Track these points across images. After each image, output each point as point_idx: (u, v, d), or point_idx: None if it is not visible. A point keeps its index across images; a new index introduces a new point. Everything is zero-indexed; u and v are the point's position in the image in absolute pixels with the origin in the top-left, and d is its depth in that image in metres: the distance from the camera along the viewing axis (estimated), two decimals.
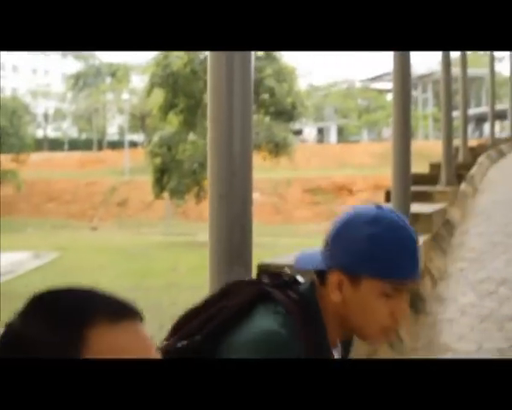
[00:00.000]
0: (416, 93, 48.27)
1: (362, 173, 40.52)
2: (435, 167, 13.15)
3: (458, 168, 13.23)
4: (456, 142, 14.72)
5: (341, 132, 54.30)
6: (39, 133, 45.68)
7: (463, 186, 12.41)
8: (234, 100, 2.85)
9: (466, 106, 15.61)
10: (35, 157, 40.46)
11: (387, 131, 50.09)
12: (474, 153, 15.83)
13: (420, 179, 11.34)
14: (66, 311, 1.01)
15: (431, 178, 12.20)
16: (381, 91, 51.48)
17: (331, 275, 1.79)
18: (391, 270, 1.75)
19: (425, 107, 51.15)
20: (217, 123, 2.64)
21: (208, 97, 2.94)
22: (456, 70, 14.47)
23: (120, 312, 1.01)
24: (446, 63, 12.90)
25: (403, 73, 7.60)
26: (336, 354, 1.89)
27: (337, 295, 1.79)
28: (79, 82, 49.37)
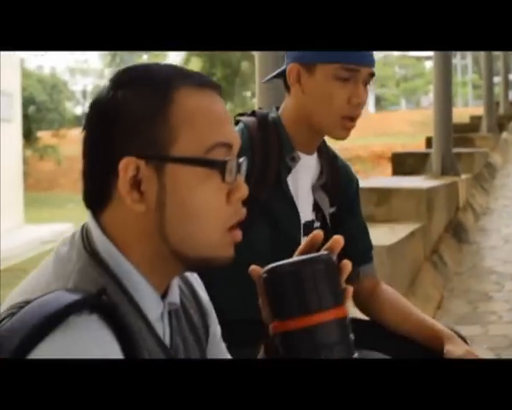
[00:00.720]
0: (454, 60, 47.63)
1: (401, 141, 40.09)
2: (476, 119, 13.03)
3: (499, 119, 13.07)
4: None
5: (379, 101, 53.86)
6: (78, 110, 46.08)
7: (505, 135, 12.29)
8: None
9: (507, 59, 15.38)
10: (75, 133, 40.73)
11: (426, 100, 49.53)
12: None
13: (460, 128, 11.25)
14: (156, 77, 1.07)
15: (472, 127, 12.09)
16: (419, 59, 50.85)
17: (289, 70, 1.85)
18: (341, 54, 1.78)
19: (464, 74, 50.42)
20: None
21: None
22: None
23: (205, 81, 1.09)
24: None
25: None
26: (310, 160, 1.92)
27: (297, 88, 1.85)
28: (116, 58, 49.50)
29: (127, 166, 1.03)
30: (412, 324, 1.92)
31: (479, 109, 14.07)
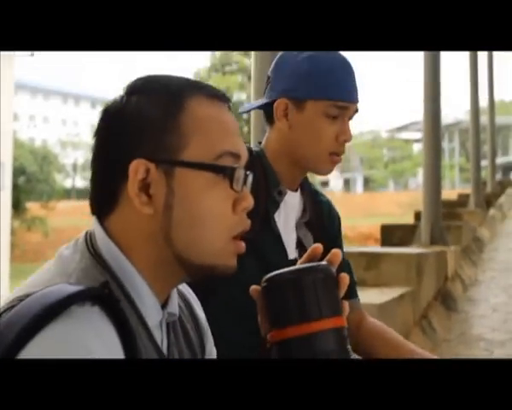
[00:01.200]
0: (442, 143, 48.16)
1: (388, 222, 40.23)
2: (464, 196, 13.17)
3: (487, 196, 13.21)
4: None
5: (368, 183, 54.28)
6: (68, 183, 46.17)
7: (492, 211, 12.40)
8: None
9: (494, 137, 15.59)
10: (63, 205, 40.68)
11: (414, 182, 49.96)
12: (502, 185, 15.79)
13: (448, 204, 11.35)
14: (169, 85, 1.12)
15: (460, 203, 12.20)
16: (408, 141, 51.50)
17: (277, 105, 1.82)
18: (332, 88, 1.77)
19: (452, 157, 51.05)
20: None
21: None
22: (483, 118, 14.55)
23: (216, 93, 1.14)
24: (475, 111, 12.99)
25: (433, 119, 7.68)
26: (294, 197, 1.89)
27: (284, 123, 1.82)
28: None
29: (137, 169, 1.06)
30: (403, 354, 1.91)
31: (466, 191, 14.24)
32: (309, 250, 1.22)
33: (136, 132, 1.07)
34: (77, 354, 0.90)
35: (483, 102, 14.47)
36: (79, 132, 54.74)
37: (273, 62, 1.87)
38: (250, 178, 1.16)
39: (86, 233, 1.12)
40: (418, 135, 47.17)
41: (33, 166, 31.10)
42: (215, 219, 1.08)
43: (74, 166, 50.52)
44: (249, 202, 1.12)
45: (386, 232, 8.75)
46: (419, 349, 1.93)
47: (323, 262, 1.16)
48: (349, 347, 1.13)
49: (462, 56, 15.33)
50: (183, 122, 1.08)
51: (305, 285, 1.10)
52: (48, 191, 33.03)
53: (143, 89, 1.11)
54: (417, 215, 9.54)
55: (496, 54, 15.62)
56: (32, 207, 32.83)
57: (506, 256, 9.11)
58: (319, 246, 1.21)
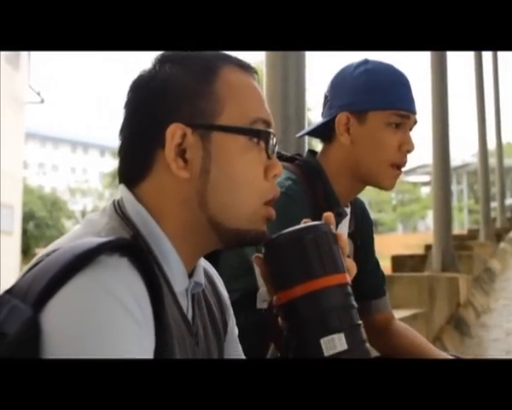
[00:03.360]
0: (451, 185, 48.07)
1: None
2: (474, 231, 13.18)
3: (496, 231, 13.20)
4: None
5: (376, 226, 54.27)
6: None
7: (503, 245, 12.38)
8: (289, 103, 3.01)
9: (502, 177, 15.62)
10: None
11: (423, 224, 49.84)
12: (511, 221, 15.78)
13: (459, 238, 11.34)
14: (200, 55, 1.15)
15: (470, 237, 12.19)
16: (416, 184, 51.52)
17: (338, 119, 1.82)
18: (392, 97, 1.79)
19: (460, 199, 51.01)
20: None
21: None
22: (491, 161, 14.64)
23: (245, 63, 1.17)
24: (483, 154, 13.07)
25: (442, 156, 7.74)
26: (348, 211, 1.88)
27: (346, 137, 1.82)
28: (117, 180, 49.71)
29: (174, 133, 1.07)
30: (429, 357, 1.88)
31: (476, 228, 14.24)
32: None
33: (171, 99, 1.09)
34: (105, 301, 0.90)
35: (490, 144, 14.58)
36: (88, 179, 55.06)
37: (329, 82, 1.89)
38: (276, 147, 1.17)
39: (114, 200, 1.12)
40: (426, 178, 47.22)
41: (42, 212, 31.25)
42: (250, 183, 1.10)
43: (83, 213, 50.66)
44: (280, 169, 1.14)
45: (397, 262, 8.72)
46: (445, 354, 1.91)
47: (321, 222, 1.16)
48: (354, 303, 1.13)
49: (469, 100, 15.44)
50: (218, 88, 1.10)
51: (307, 244, 1.11)
52: (57, 237, 32.99)
53: (176, 58, 1.13)
54: (428, 248, 9.53)
55: (502, 96, 15.76)
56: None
57: None
58: (330, 214, 1.20)
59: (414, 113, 1.81)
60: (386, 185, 1.83)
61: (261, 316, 1.42)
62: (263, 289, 1.60)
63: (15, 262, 20.13)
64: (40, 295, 0.90)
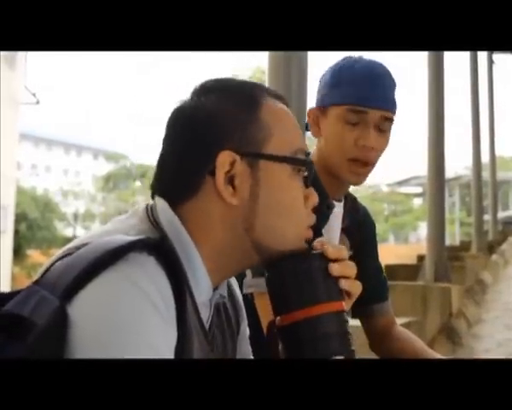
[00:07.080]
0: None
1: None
2: (466, 243, 13.22)
3: (488, 243, 13.25)
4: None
5: None
6: (68, 232, 46.09)
7: (495, 257, 12.42)
8: (291, 103, 3.05)
9: (495, 190, 15.69)
10: None
11: (415, 236, 49.88)
12: (504, 234, 15.84)
13: (451, 249, 11.38)
14: (239, 85, 1.18)
15: (462, 249, 12.23)
16: (408, 195, 51.58)
17: (308, 114, 1.90)
18: (349, 93, 1.80)
19: (452, 212, 51.08)
20: None
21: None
22: (484, 174, 14.70)
23: (280, 95, 1.21)
24: (477, 167, 13.12)
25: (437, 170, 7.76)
26: (339, 207, 1.90)
27: (316, 130, 1.88)
28: (109, 183, 49.68)
29: (224, 161, 1.09)
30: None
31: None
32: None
33: (220, 127, 1.11)
34: (133, 295, 0.93)
35: (484, 157, 14.63)
36: (81, 181, 54.74)
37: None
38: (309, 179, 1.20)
39: (147, 204, 1.14)
40: (419, 189, 47.28)
41: (35, 213, 31.10)
42: (297, 209, 1.14)
43: (75, 216, 50.48)
44: (315, 199, 1.18)
45: (390, 272, 8.73)
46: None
47: (317, 251, 1.18)
48: (349, 330, 1.16)
49: (464, 114, 15.52)
50: (263, 117, 1.13)
51: (302, 273, 1.14)
52: (49, 239, 32.93)
53: (218, 88, 1.16)
54: (420, 258, 9.57)
55: (496, 111, 15.82)
56: (33, 254, 32.70)
57: (509, 298, 9.10)
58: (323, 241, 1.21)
59: (372, 108, 1.80)
60: (348, 179, 1.85)
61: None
62: (249, 276, 1.66)
63: (7, 261, 20.10)
64: (69, 287, 0.92)
